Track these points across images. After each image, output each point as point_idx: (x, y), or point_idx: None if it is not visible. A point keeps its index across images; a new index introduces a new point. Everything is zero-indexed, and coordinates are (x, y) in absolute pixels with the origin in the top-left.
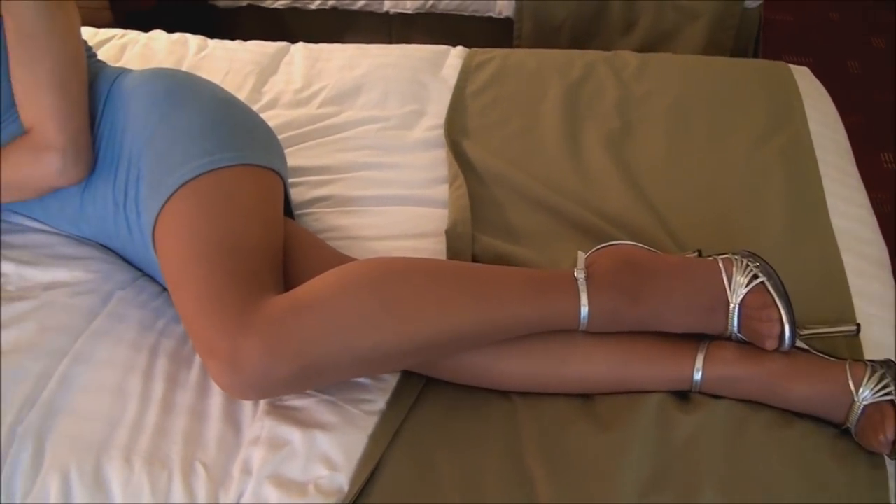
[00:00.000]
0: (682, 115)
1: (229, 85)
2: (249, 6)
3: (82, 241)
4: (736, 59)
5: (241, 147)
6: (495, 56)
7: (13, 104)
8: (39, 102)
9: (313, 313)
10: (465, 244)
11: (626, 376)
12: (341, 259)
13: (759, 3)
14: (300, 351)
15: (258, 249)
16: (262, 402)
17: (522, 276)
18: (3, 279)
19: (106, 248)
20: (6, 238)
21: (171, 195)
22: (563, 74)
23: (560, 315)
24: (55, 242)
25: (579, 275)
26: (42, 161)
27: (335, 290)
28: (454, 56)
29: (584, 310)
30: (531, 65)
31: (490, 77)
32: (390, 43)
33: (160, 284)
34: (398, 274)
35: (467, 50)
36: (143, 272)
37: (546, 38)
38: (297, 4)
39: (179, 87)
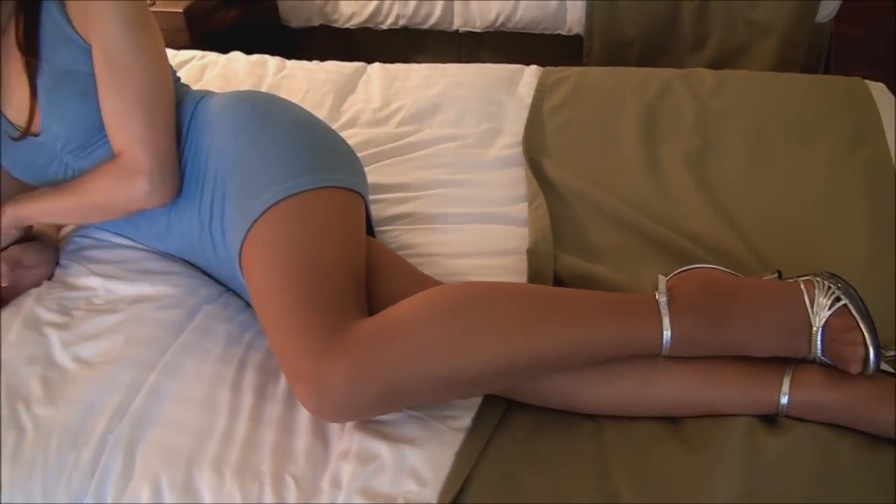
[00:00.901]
0: (760, 133)
1: (308, 104)
2: (322, 26)
3: (168, 256)
4: (812, 76)
5: (323, 169)
6: (570, 74)
7: (102, 128)
8: (128, 128)
9: (398, 339)
10: (546, 263)
11: (711, 400)
12: (422, 278)
13: (829, 18)
14: (385, 375)
15: (343, 273)
16: None
17: (604, 300)
18: (91, 293)
19: (191, 263)
20: (93, 253)
21: (257, 220)
22: (639, 92)
23: (642, 339)
24: (141, 258)
25: (661, 298)
26: (131, 185)
27: (419, 315)
28: (529, 74)
29: (667, 334)
30: (607, 83)
31: (566, 95)
32: (459, 61)
33: (244, 299)
34: (481, 299)
35: (542, 68)
36: (227, 287)
37: (616, 55)
38: (369, 24)
39: (263, 110)
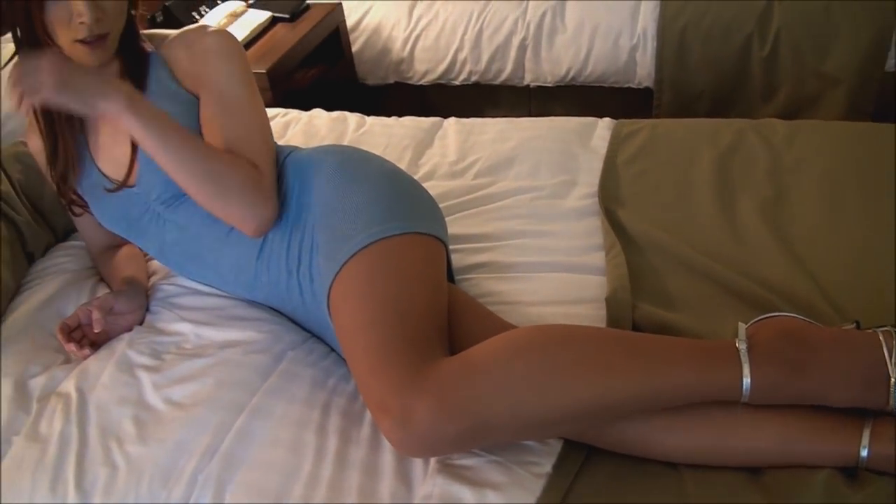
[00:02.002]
0: (835, 182)
1: (388, 158)
2: (396, 83)
3: (254, 303)
4: (883, 125)
5: (408, 217)
6: (643, 126)
7: None
8: (251, 147)
9: (481, 376)
10: (625, 312)
11: (791, 450)
12: (502, 324)
13: None
14: (468, 412)
15: (427, 312)
16: (433, 461)
17: (684, 346)
18: (181, 338)
19: (275, 310)
20: (183, 300)
21: (346, 262)
22: (712, 143)
23: (722, 385)
24: (228, 305)
25: (741, 346)
26: (256, 192)
27: (503, 354)
28: (602, 127)
29: (747, 381)
30: (680, 134)
31: (640, 147)
32: (530, 115)
33: (328, 345)
34: (563, 340)
35: (615, 121)
36: (311, 333)
37: (686, 107)
38: (442, 81)
39: (351, 162)
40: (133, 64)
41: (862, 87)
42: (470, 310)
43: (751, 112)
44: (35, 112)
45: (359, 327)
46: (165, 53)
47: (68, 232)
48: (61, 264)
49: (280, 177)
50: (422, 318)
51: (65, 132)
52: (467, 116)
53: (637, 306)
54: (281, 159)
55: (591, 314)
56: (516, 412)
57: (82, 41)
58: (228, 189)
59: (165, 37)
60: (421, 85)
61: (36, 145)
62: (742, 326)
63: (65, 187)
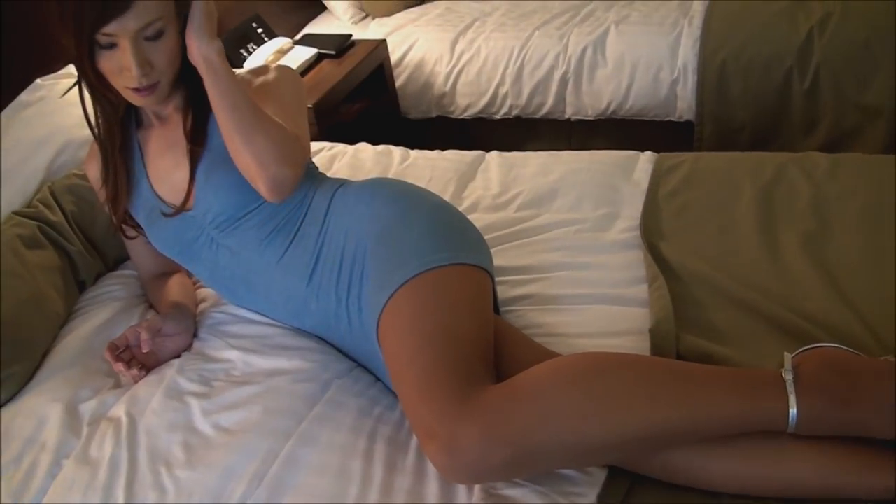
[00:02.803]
0: (877, 215)
1: (433, 190)
2: (438, 117)
3: (301, 332)
4: None
5: (456, 248)
6: (685, 160)
7: (250, 203)
8: (296, 123)
9: (527, 404)
10: (669, 343)
11: (833, 483)
12: (548, 354)
13: None
14: (514, 439)
15: (474, 341)
16: (477, 490)
17: (730, 375)
18: (229, 365)
19: (322, 339)
20: (231, 328)
21: (396, 291)
22: (754, 176)
23: (768, 415)
24: (276, 333)
25: (787, 376)
26: (285, 164)
27: (548, 382)
28: (644, 160)
29: (793, 411)
30: (721, 167)
31: (682, 180)
32: (570, 148)
33: (374, 374)
34: (609, 368)
35: (656, 154)
36: (357, 363)
37: (727, 140)
38: (483, 115)
39: (401, 194)
40: (196, 95)
41: None
42: (515, 341)
43: (792, 145)
44: (96, 137)
45: (407, 355)
46: None
47: (118, 261)
48: (112, 292)
49: (330, 208)
50: (470, 347)
51: (118, 160)
52: (508, 149)
53: (681, 337)
54: (331, 191)
55: (635, 346)
56: (562, 440)
57: (134, 89)
58: (259, 139)
59: None
60: (462, 118)
61: (94, 172)
62: (788, 357)
63: (115, 209)
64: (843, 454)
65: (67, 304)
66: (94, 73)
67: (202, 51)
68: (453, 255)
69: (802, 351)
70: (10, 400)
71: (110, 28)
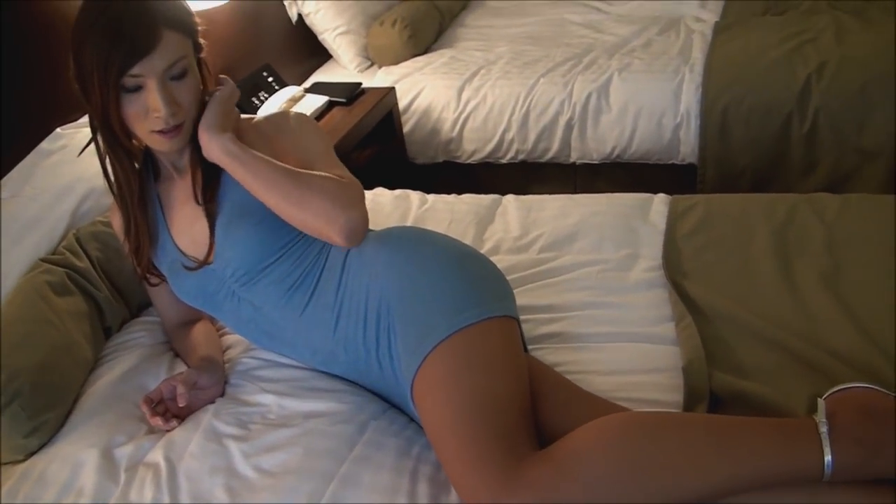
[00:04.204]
0: (890, 253)
1: (453, 234)
2: (445, 162)
3: (332, 376)
4: None
5: (482, 302)
6: (699, 201)
7: (270, 255)
8: (345, 175)
9: (574, 478)
10: (702, 381)
11: None
12: (578, 392)
13: None
14: None
15: (513, 402)
16: None
17: (768, 428)
18: (264, 409)
19: (351, 381)
20: (263, 373)
21: (427, 357)
22: (767, 217)
23: (805, 466)
24: (308, 377)
25: (822, 428)
26: (350, 209)
27: (593, 453)
28: (659, 202)
29: (828, 459)
30: (735, 208)
31: (698, 221)
32: (575, 191)
33: (408, 414)
34: (651, 433)
35: (669, 196)
36: (390, 403)
37: (728, 182)
38: (489, 159)
39: (421, 246)
40: (202, 154)
41: None
42: (547, 379)
43: (791, 186)
44: (113, 193)
45: (447, 424)
46: (251, 138)
47: (142, 307)
48: (137, 339)
49: (346, 263)
50: (509, 410)
51: (137, 213)
52: (513, 192)
53: (712, 374)
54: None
55: (666, 382)
56: None
57: (159, 132)
58: (315, 199)
59: (244, 119)
60: (469, 163)
61: (118, 223)
62: (822, 405)
63: (139, 261)
64: (875, 495)
65: (95, 350)
66: (118, 120)
67: (213, 145)
68: (480, 311)
69: (834, 392)
70: (43, 446)
71: (137, 69)
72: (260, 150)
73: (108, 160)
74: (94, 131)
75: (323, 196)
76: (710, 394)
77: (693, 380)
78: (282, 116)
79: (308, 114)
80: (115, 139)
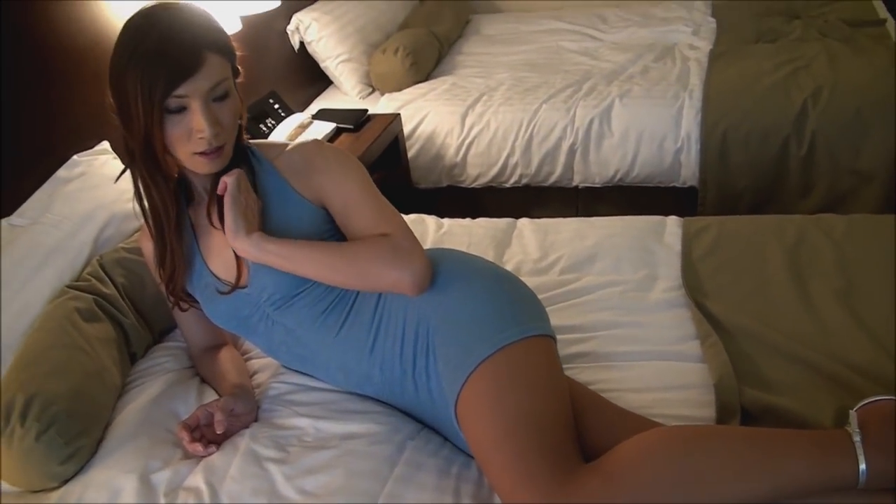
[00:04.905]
0: None
1: None
2: (449, 186)
3: (364, 397)
4: None
5: (522, 321)
6: (711, 223)
7: (305, 281)
8: (389, 222)
9: (623, 489)
10: (733, 396)
11: None
12: (621, 412)
13: None
14: None
15: (558, 420)
16: None
17: (804, 439)
18: (300, 432)
19: (383, 403)
20: (295, 397)
21: (469, 376)
22: (778, 238)
23: (841, 474)
24: (341, 399)
25: (856, 438)
26: (406, 264)
27: (640, 464)
28: (672, 224)
29: (862, 467)
30: (747, 230)
31: (712, 242)
32: (577, 215)
33: (443, 435)
34: (696, 445)
35: (681, 219)
36: (424, 424)
37: (728, 203)
38: (493, 184)
39: (460, 267)
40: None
41: (895, 182)
42: (586, 398)
43: (789, 207)
44: (146, 220)
45: (494, 442)
46: (281, 165)
47: (164, 332)
48: (162, 364)
49: None
50: (555, 426)
51: (173, 239)
52: (516, 215)
53: (743, 390)
54: None
55: (697, 399)
56: None
57: (202, 153)
58: (369, 266)
59: (275, 147)
60: (473, 188)
61: (149, 249)
62: (853, 415)
63: (173, 287)
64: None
65: (122, 376)
66: (161, 143)
67: (248, 250)
68: (521, 330)
69: (864, 405)
70: (77, 472)
71: (182, 89)
72: (295, 184)
73: (144, 186)
74: (130, 158)
75: (379, 263)
76: (741, 409)
77: (725, 395)
78: (316, 153)
79: None
80: (155, 164)
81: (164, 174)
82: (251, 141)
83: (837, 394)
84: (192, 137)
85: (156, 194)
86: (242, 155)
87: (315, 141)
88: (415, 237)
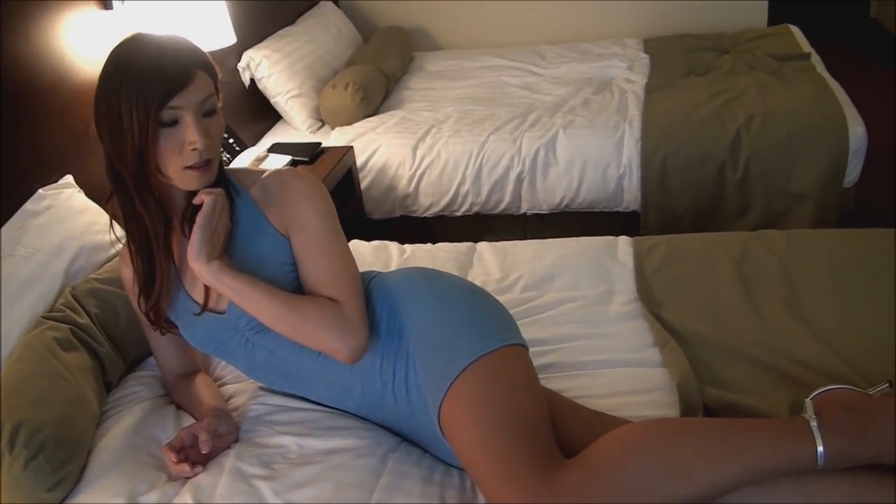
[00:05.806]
0: (837, 277)
1: None
2: (402, 216)
3: (343, 413)
4: (855, 231)
5: (499, 330)
6: (659, 241)
7: (296, 292)
8: (343, 289)
9: (606, 479)
10: (695, 395)
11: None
12: (596, 414)
13: (853, 182)
14: None
15: (539, 421)
16: None
17: (768, 426)
18: (284, 449)
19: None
20: (275, 417)
21: (452, 383)
22: (724, 252)
23: (802, 456)
24: (321, 417)
25: (813, 422)
26: (347, 336)
27: (620, 456)
28: (623, 243)
29: (820, 450)
30: (695, 246)
31: (663, 258)
32: (525, 239)
33: (422, 447)
34: (670, 436)
35: (632, 238)
36: (403, 438)
37: (669, 226)
38: (445, 213)
39: (438, 283)
40: (193, 213)
41: (825, 201)
42: (561, 403)
43: (727, 228)
44: (131, 243)
45: (479, 445)
46: (256, 194)
47: (135, 362)
48: (137, 392)
49: (367, 301)
50: (536, 426)
51: (162, 258)
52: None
53: (704, 390)
54: (365, 284)
55: (659, 400)
56: None
57: (192, 167)
58: (313, 330)
59: (251, 175)
60: (425, 217)
61: (128, 276)
62: (809, 403)
63: (156, 313)
64: (866, 478)
65: (100, 404)
66: (154, 159)
67: (204, 274)
68: (499, 339)
69: (818, 394)
70: (63, 499)
71: (176, 101)
72: (268, 212)
73: (132, 207)
74: (116, 182)
75: (324, 330)
76: (704, 406)
77: (687, 395)
78: (292, 184)
79: None
80: (145, 183)
81: (153, 193)
82: (227, 168)
83: (790, 388)
84: (183, 151)
85: (146, 214)
86: (223, 179)
87: (291, 170)
88: (363, 307)
